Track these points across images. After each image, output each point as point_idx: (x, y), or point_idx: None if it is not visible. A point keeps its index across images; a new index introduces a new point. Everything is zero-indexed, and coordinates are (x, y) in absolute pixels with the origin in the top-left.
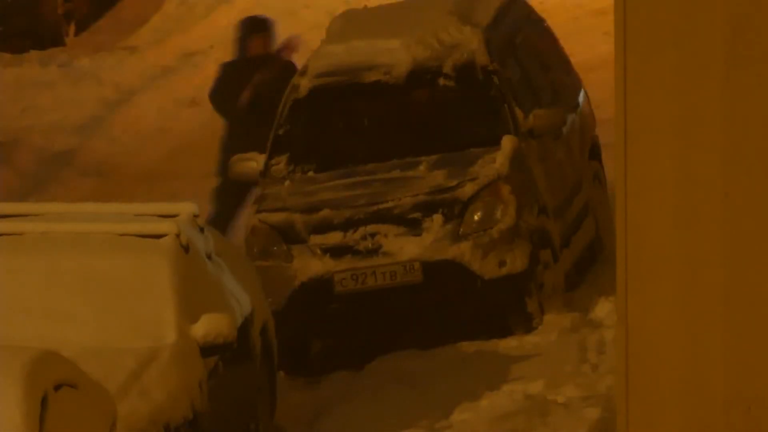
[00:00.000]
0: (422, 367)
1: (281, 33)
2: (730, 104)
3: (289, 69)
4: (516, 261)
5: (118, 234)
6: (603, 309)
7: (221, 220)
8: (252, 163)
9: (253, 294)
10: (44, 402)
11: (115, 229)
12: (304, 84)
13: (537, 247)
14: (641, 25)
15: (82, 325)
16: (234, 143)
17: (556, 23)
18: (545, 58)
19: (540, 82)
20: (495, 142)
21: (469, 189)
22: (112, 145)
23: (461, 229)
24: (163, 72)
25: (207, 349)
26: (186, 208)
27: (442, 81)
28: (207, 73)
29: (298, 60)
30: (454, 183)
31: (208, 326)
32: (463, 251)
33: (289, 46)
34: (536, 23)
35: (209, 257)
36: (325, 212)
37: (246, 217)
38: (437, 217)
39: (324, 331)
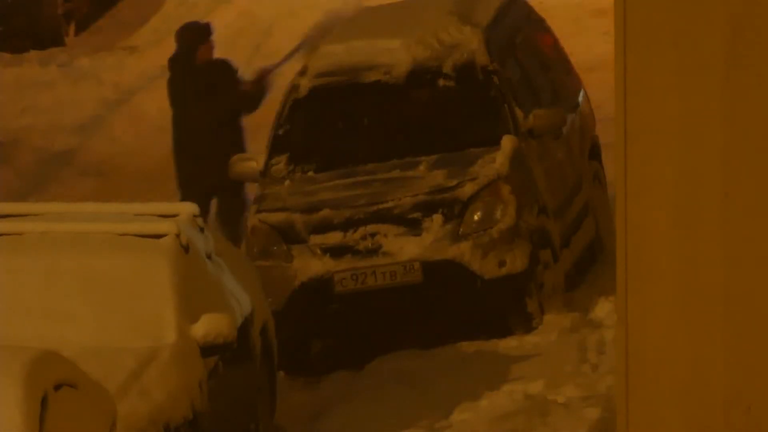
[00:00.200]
0: (422, 367)
1: (281, 33)
2: (730, 104)
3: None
4: (516, 261)
5: (118, 234)
6: (603, 309)
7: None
8: (252, 163)
9: (253, 294)
10: (44, 402)
11: (115, 229)
12: (304, 84)
13: (537, 247)
14: (641, 25)
15: (82, 325)
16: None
17: (556, 23)
18: (545, 58)
19: (540, 82)
20: (495, 142)
21: (469, 189)
22: (112, 145)
23: (461, 229)
24: (163, 72)
25: (207, 349)
26: (186, 208)
27: (442, 81)
28: None
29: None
30: (454, 183)
31: (208, 326)
32: (463, 251)
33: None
34: (536, 23)
35: (209, 257)
36: (325, 212)
37: (246, 218)
38: (437, 217)
39: (324, 331)
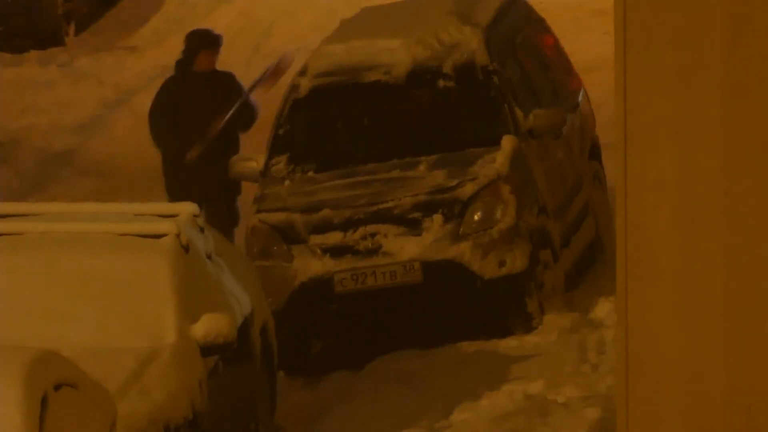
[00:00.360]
0: (422, 367)
1: (281, 33)
2: (730, 104)
3: (249, 108)
4: (516, 261)
5: (118, 234)
6: (603, 309)
7: None
8: (252, 163)
9: (253, 294)
10: (44, 402)
11: (115, 229)
12: (304, 84)
13: (537, 247)
14: (641, 25)
15: (82, 325)
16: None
17: (556, 23)
18: (545, 58)
19: (540, 82)
20: (495, 142)
21: (469, 189)
22: (112, 145)
23: (461, 229)
24: (163, 72)
25: (207, 349)
26: (186, 208)
27: (442, 81)
28: None
29: (299, 61)
30: (454, 183)
31: (208, 326)
32: (463, 251)
33: (282, 66)
34: (536, 23)
35: (209, 257)
36: (325, 212)
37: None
38: (437, 217)
39: (324, 331)
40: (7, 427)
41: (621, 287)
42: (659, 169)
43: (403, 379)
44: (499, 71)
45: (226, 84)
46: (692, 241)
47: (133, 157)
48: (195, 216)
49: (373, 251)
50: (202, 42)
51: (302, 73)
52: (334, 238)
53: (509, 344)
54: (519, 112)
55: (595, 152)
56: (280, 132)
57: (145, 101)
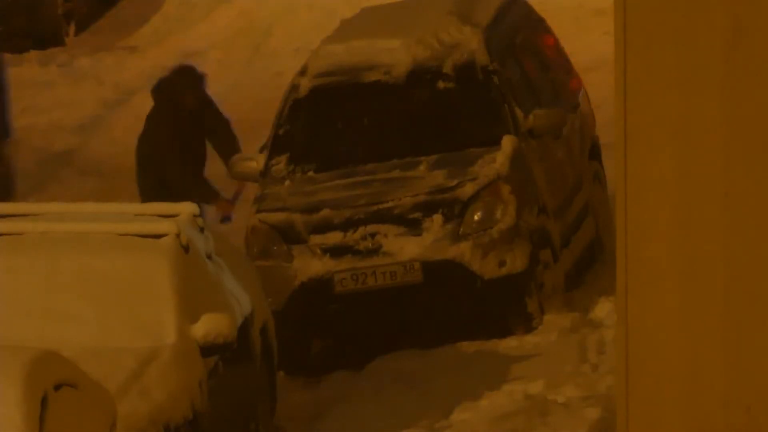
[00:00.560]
0: (422, 367)
1: (281, 33)
2: (730, 104)
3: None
4: (516, 261)
5: (118, 234)
6: (603, 309)
7: None
8: (252, 163)
9: (253, 294)
10: (44, 402)
11: (115, 229)
12: (304, 84)
13: (537, 247)
14: (641, 25)
15: (82, 325)
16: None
17: (556, 23)
18: (545, 58)
19: (540, 82)
20: (495, 142)
21: (469, 189)
22: (112, 145)
23: (461, 229)
24: (163, 72)
25: (207, 349)
26: (186, 208)
27: (442, 81)
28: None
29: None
30: (454, 183)
31: (208, 326)
32: (463, 251)
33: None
34: (536, 23)
35: (209, 257)
36: (325, 212)
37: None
38: (437, 217)
39: (324, 331)
40: (7, 427)
41: (621, 287)
42: (659, 169)
43: (403, 379)
44: (499, 71)
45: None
46: (692, 241)
47: (133, 157)
48: (195, 216)
49: (373, 251)
50: (188, 81)
51: (302, 73)
52: (334, 238)
53: (509, 344)
54: (519, 112)
55: (595, 152)
56: (280, 132)
57: (145, 101)
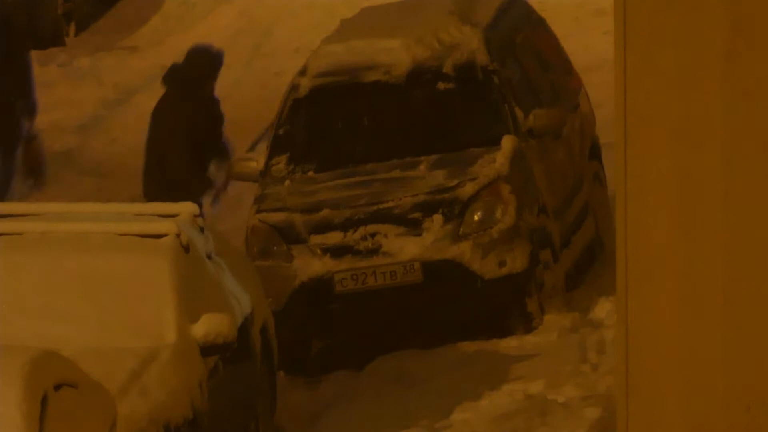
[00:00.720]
0: (422, 367)
1: (281, 33)
2: (730, 104)
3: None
4: (516, 261)
5: (118, 234)
6: (603, 309)
7: None
8: (252, 163)
9: (253, 294)
10: (44, 402)
11: (115, 229)
12: (304, 84)
13: (537, 247)
14: (641, 25)
15: (82, 325)
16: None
17: (556, 23)
18: (545, 58)
19: (540, 82)
20: (495, 142)
21: (469, 189)
22: (112, 145)
23: (461, 229)
24: (163, 72)
25: (207, 349)
26: (186, 208)
27: (441, 81)
28: None
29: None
30: (454, 183)
31: (208, 326)
32: (463, 251)
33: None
34: (536, 23)
35: (209, 257)
36: (325, 212)
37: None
38: (437, 217)
39: (324, 331)
40: (7, 427)
41: (621, 287)
42: (659, 169)
43: (403, 379)
44: (499, 71)
45: (218, 110)
46: (692, 241)
47: (133, 157)
48: (195, 216)
49: (373, 251)
50: (215, 64)
51: (302, 72)
52: (334, 238)
53: (509, 344)
54: (519, 112)
55: (595, 152)
56: (280, 132)
57: (145, 101)
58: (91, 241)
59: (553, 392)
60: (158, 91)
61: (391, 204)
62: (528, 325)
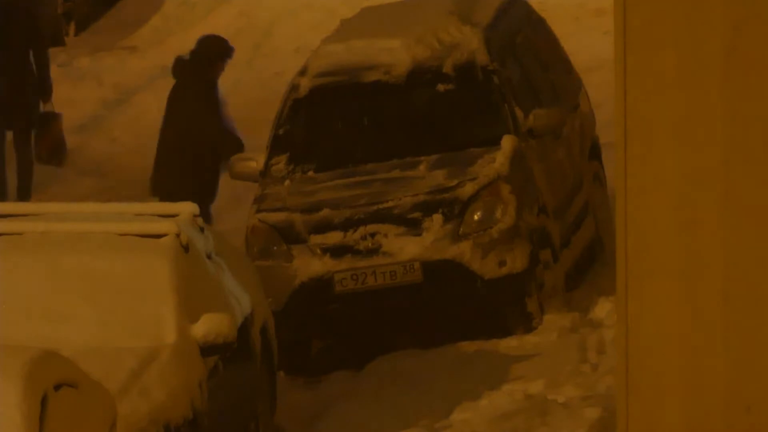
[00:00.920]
0: (422, 367)
1: (281, 33)
2: (730, 104)
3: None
4: (516, 261)
5: (118, 234)
6: (603, 309)
7: None
8: (252, 162)
9: (253, 294)
10: (44, 402)
11: (115, 229)
12: (304, 84)
13: (537, 247)
14: (641, 25)
15: (82, 325)
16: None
17: (556, 23)
18: (545, 58)
19: (540, 82)
20: (495, 142)
21: (469, 189)
22: (112, 145)
23: (461, 229)
24: (163, 72)
25: (207, 349)
26: (186, 208)
27: (441, 81)
28: None
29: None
30: (454, 183)
31: (208, 326)
32: (463, 251)
33: None
34: (536, 23)
35: (209, 257)
36: (325, 212)
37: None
38: (437, 217)
39: (324, 331)
40: (7, 427)
41: (621, 287)
42: (659, 169)
43: (403, 379)
44: (499, 71)
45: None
46: (692, 241)
47: (133, 156)
48: (195, 216)
49: (373, 251)
50: (225, 52)
51: (302, 72)
52: (334, 238)
53: (509, 344)
54: (519, 112)
55: (595, 152)
56: (280, 132)
57: (145, 101)
58: (91, 241)
59: (553, 392)
60: (158, 91)
61: (391, 204)
62: (528, 325)
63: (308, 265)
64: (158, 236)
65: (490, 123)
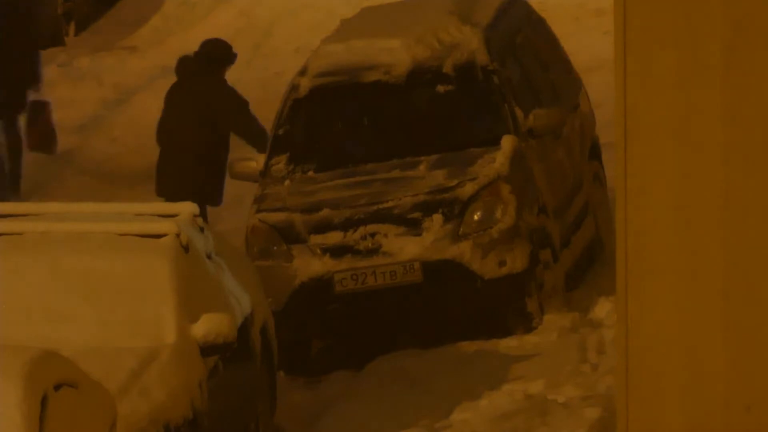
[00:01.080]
0: (422, 367)
1: (281, 33)
2: (730, 104)
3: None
4: (516, 261)
5: (118, 234)
6: (603, 309)
7: None
8: (252, 163)
9: (253, 294)
10: (44, 402)
11: (115, 229)
12: (304, 84)
13: (537, 247)
14: (641, 25)
15: (82, 325)
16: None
17: (556, 23)
18: (545, 58)
19: (540, 82)
20: (495, 142)
21: (469, 189)
22: (112, 145)
23: (461, 229)
24: (163, 72)
25: (207, 349)
26: (186, 208)
27: (441, 81)
28: None
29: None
30: (454, 183)
31: (208, 326)
32: (463, 251)
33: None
34: (536, 23)
35: (209, 257)
36: (325, 212)
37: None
38: (437, 217)
39: (324, 331)
40: (7, 427)
41: (621, 287)
42: (659, 169)
43: (403, 379)
44: (499, 71)
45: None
46: (692, 241)
47: (133, 157)
48: (195, 216)
49: (373, 251)
50: (231, 57)
51: (302, 72)
52: (334, 238)
53: (509, 344)
54: (519, 112)
55: (595, 152)
56: (280, 132)
57: (145, 101)
58: (91, 241)
59: (553, 392)
60: (158, 91)
61: (391, 204)
62: (528, 325)
63: (308, 265)
64: (158, 236)
65: (490, 123)
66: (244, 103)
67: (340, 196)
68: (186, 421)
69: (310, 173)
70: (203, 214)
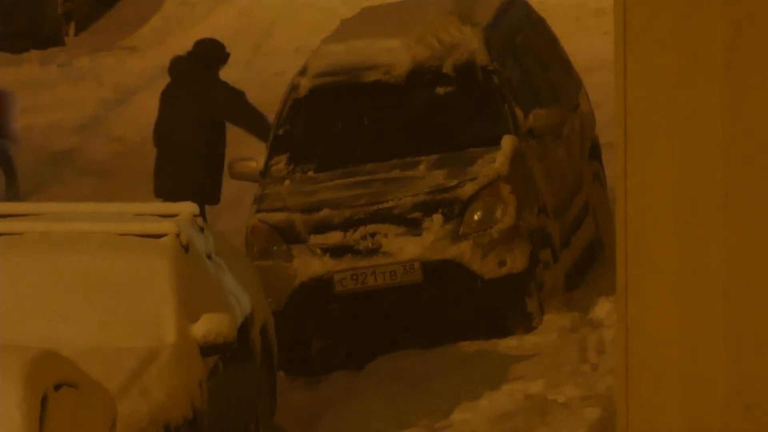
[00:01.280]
0: (422, 367)
1: (281, 33)
2: (730, 104)
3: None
4: (516, 261)
5: (118, 234)
6: (603, 309)
7: None
8: (252, 163)
9: (253, 294)
10: (44, 402)
11: (115, 229)
12: (304, 84)
13: (537, 247)
14: (641, 25)
15: (82, 325)
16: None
17: (556, 23)
18: (545, 58)
19: (540, 82)
20: (495, 142)
21: (469, 189)
22: (112, 145)
23: (461, 229)
24: (163, 72)
25: (207, 349)
26: (186, 208)
27: (441, 81)
28: None
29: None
30: (454, 183)
31: (208, 326)
32: (463, 251)
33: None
34: (536, 23)
35: (209, 257)
36: (325, 212)
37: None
38: (437, 217)
39: (324, 331)
40: (7, 427)
41: (621, 287)
42: (659, 169)
43: (403, 379)
44: (499, 71)
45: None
46: (692, 241)
47: (133, 157)
48: (195, 216)
49: (373, 251)
50: (225, 57)
51: (302, 72)
52: (334, 237)
53: (509, 344)
54: (519, 112)
55: (595, 152)
56: (280, 132)
57: (145, 101)
58: (91, 241)
59: (553, 392)
60: (158, 91)
61: (391, 204)
62: (528, 325)
63: (308, 265)
64: (158, 236)
65: (490, 123)
66: (240, 93)
67: (340, 196)
68: (186, 421)
69: (310, 173)
70: (202, 213)
